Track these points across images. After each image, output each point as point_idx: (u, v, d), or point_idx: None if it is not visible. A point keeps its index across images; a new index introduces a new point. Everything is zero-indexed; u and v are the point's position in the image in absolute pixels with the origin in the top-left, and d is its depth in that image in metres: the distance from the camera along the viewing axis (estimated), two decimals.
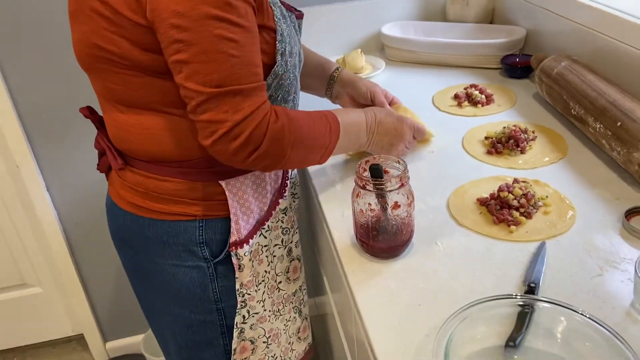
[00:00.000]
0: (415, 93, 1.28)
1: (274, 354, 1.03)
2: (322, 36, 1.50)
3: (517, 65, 1.30)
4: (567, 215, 0.83)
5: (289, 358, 1.08)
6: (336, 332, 1.06)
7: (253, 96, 0.73)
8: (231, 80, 0.71)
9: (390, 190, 0.72)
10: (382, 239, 0.76)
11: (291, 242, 1.00)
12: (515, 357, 0.60)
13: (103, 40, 0.74)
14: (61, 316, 1.94)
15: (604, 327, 0.57)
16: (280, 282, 1.00)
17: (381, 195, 0.72)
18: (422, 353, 0.61)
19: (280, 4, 0.85)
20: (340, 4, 1.49)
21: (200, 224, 0.87)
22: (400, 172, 0.73)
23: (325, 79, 1.10)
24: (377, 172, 0.72)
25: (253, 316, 0.95)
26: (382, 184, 0.72)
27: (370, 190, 0.73)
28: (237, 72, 0.71)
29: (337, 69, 1.11)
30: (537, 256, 0.75)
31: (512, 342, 0.61)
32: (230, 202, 0.85)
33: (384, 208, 0.73)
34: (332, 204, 0.92)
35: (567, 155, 0.99)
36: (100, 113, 0.92)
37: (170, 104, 0.78)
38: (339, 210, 0.89)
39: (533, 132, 1.04)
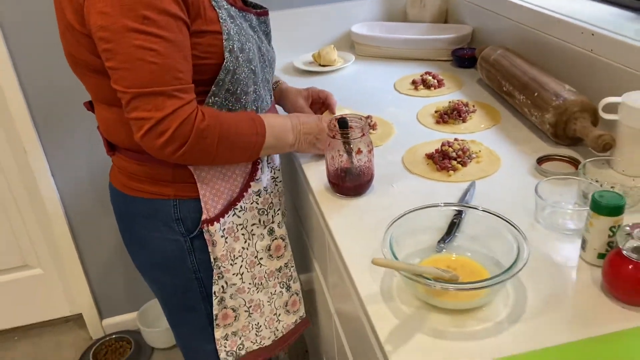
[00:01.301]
0: (381, 81, 1.50)
1: (258, 323, 1.14)
2: (300, 34, 1.72)
3: (464, 57, 1.54)
4: (494, 164, 1.05)
5: (276, 328, 1.18)
6: (318, 281, 1.25)
7: (175, 97, 0.83)
8: (152, 84, 0.81)
9: (354, 138, 0.93)
10: (349, 180, 0.97)
11: (272, 222, 1.10)
12: (444, 250, 0.81)
13: (73, 49, 0.90)
14: (60, 297, 2.08)
15: (501, 217, 0.78)
16: (261, 258, 1.10)
17: (347, 143, 0.93)
18: (378, 253, 0.82)
19: (228, 6, 0.93)
20: (316, 7, 1.72)
21: (175, 203, 1.00)
22: (361, 125, 0.94)
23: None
24: (343, 124, 0.93)
25: (231, 287, 1.08)
26: (347, 133, 0.93)
27: (338, 139, 0.93)
28: (157, 76, 0.81)
29: (277, 82, 1.23)
30: (467, 190, 0.96)
31: (442, 241, 0.82)
32: (199, 185, 0.97)
33: (349, 153, 0.94)
34: (309, 160, 1.12)
35: (499, 123, 1.21)
36: None
37: (117, 98, 0.88)
38: (315, 165, 1.09)
39: (473, 106, 1.27)
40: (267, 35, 1.07)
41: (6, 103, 1.63)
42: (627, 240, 0.69)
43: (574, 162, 1.03)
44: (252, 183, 1.04)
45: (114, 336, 2.02)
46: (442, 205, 0.83)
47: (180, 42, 0.84)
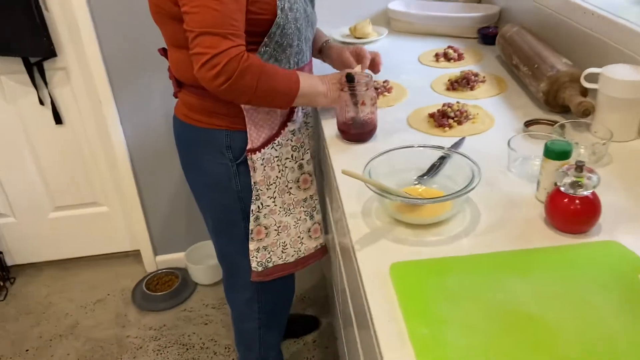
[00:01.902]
0: (408, 53, 1.65)
1: (284, 242, 1.37)
2: (340, 9, 1.89)
3: (489, 35, 1.66)
4: (488, 124, 1.19)
5: (299, 249, 1.41)
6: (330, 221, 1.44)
7: (228, 39, 1.02)
8: (212, 26, 1.01)
9: (359, 91, 1.10)
10: (354, 128, 1.15)
11: (302, 159, 1.31)
12: (417, 184, 0.98)
13: (158, 0, 1.12)
14: (122, 233, 2.40)
15: (463, 155, 0.93)
16: (291, 187, 1.32)
17: (353, 95, 1.11)
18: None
19: None
20: None
21: (227, 133, 1.22)
22: (366, 80, 1.12)
23: (317, 49, 1.40)
24: (350, 78, 1.11)
25: (265, 207, 1.30)
26: (353, 87, 1.10)
27: (346, 92, 1.11)
28: (217, 21, 1.01)
29: (327, 40, 1.40)
30: (456, 143, 1.12)
31: (420, 178, 0.98)
32: (247, 120, 1.19)
33: (355, 104, 1.12)
34: (326, 114, 1.30)
35: (505, 92, 1.35)
36: None
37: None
38: (330, 117, 1.27)
39: (484, 77, 1.41)
40: (312, 0, 1.26)
41: (87, 62, 1.91)
42: (563, 177, 0.83)
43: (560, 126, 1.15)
44: (288, 123, 1.25)
45: (164, 270, 2.32)
46: (416, 146, 1.00)
47: None
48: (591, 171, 0.83)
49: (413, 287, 0.75)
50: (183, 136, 1.32)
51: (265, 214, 1.31)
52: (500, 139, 1.14)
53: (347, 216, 0.93)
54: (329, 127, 1.24)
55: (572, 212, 0.82)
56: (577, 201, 0.82)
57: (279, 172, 1.29)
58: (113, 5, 1.83)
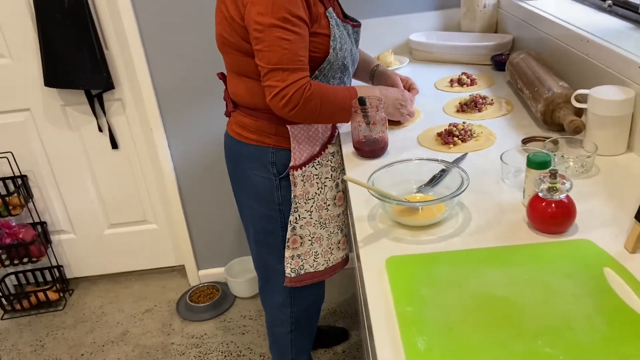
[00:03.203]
0: (426, 80, 1.79)
1: (316, 251, 1.52)
2: (371, 40, 2.05)
3: (502, 61, 1.78)
4: (489, 142, 1.32)
5: (329, 258, 1.55)
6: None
7: (295, 73, 1.21)
8: (282, 62, 1.19)
9: (370, 113, 1.26)
10: (368, 146, 1.30)
11: (338, 179, 1.47)
12: (420, 192, 1.11)
13: (226, 34, 1.31)
14: (169, 249, 2.60)
15: (455, 166, 1.06)
16: (329, 205, 1.47)
17: (365, 116, 1.26)
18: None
19: (336, 17, 1.32)
20: (383, 18, 2.05)
21: (273, 151, 1.41)
22: (376, 103, 1.27)
23: (368, 73, 1.61)
24: (362, 102, 1.26)
25: (302, 219, 1.46)
26: (365, 109, 1.26)
27: (358, 113, 1.27)
28: (286, 58, 1.19)
29: (377, 65, 1.60)
30: (458, 158, 1.25)
31: (420, 187, 1.12)
32: (291, 140, 1.38)
33: (367, 123, 1.27)
34: (343, 135, 1.46)
35: (510, 114, 1.47)
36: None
37: (254, 73, 1.32)
38: (347, 137, 1.43)
39: (492, 99, 1.53)
40: (357, 42, 1.46)
41: (140, 94, 2.16)
42: (541, 184, 0.95)
43: (553, 142, 1.26)
44: (329, 145, 1.43)
45: (206, 284, 2.50)
46: (414, 159, 1.14)
47: (304, 37, 1.23)
48: (564, 178, 0.94)
49: (404, 276, 0.88)
50: (233, 151, 1.50)
51: (302, 225, 1.46)
52: (498, 153, 1.25)
53: (354, 219, 1.08)
54: (346, 146, 1.39)
55: (549, 214, 0.94)
56: (553, 204, 0.93)
57: (318, 189, 1.44)
58: (165, 45, 2.08)
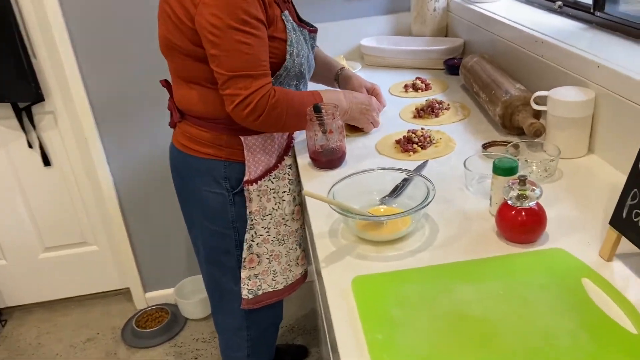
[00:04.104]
0: (379, 85, 1.72)
1: (275, 270, 1.42)
2: (321, 45, 1.98)
3: (454, 65, 1.76)
4: (449, 148, 1.27)
5: (287, 276, 1.45)
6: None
7: (259, 79, 1.13)
8: (243, 68, 1.12)
9: (326, 121, 1.18)
10: (325, 156, 1.22)
11: (296, 192, 1.38)
12: (384, 204, 1.04)
13: (172, 36, 1.20)
14: (111, 272, 2.43)
15: (420, 175, 1.01)
16: (287, 220, 1.37)
17: (321, 124, 1.19)
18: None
19: (292, 22, 1.24)
20: (333, 22, 1.98)
21: (225, 164, 1.30)
22: (332, 110, 1.19)
23: (332, 76, 1.53)
24: (317, 109, 1.18)
25: (259, 237, 1.36)
26: (321, 117, 1.18)
27: (314, 121, 1.19)
28: (248, 63, 1.12)
29: (342, 68, 1.52)
30: (419, 166, 1.19)
31: (383, 199, 1.05)
32: (245, 152, 1.28)
33: (323, 132, 1.19)
34: (298, 144, 1.38)
35: (467, 118, 1.43)
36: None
37: (206, 79, 1.22)
38: (302, 147, 1.35)
39: (448, 104, 1.49)
40: (313, 48, 1.37)
41: (74, 105, 1.99)
42: (509, 191, 0.90)
43: (514, 146, 1.22)
44: (285, 157, 1.34)
45: (154, 307, 2.34)
46: (376, 169, 1.07)
47: (264, 40, 1.15)
48: (534, 184, 0.89)
49: (372, 298, 0.80)
50: (180, 165, 1.38)
51: (259, 243, 1.36)
52: (461, 161, 1.20)
53: (315, 237, 0.99)
54: (302, 157, 1.31)
55: (520, 223, 0.89)
56: (523, 212, 0.88)
57: (276, 204, 1.35)
58: (99, 50, 1.92)
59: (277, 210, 1.37)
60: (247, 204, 1.33)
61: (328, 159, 1.22)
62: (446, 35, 1.99)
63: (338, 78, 1.52)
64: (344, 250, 0.95)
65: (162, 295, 2.39)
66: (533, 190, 0.88)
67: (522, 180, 0.88)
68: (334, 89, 1.42)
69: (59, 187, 2.22)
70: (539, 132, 1.17)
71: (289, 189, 1.37)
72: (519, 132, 1.28)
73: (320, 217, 1.05)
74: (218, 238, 1.39)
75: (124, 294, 2.47)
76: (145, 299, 2.39)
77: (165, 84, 1.40)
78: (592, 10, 1.37)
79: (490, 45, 1.63)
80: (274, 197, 1.35)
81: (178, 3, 1.17)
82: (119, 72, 1.97)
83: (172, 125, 1.42)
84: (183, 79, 1.28)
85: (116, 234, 2.25)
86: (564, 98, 1.13)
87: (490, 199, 0.99)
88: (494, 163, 0.96)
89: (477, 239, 0.93)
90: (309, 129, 1.21)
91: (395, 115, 1.50)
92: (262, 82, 1.15)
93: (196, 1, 1.13)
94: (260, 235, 1.36)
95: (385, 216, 0.94)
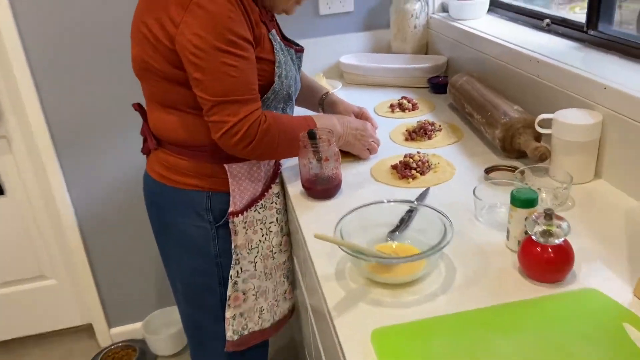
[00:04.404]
0: (363, 105, 1.64)
1: (262, 307, 1.31)
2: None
3: (439, 84, 1.70)
4: (449, 173, 1.20)
5: (275, 312, 1.35)
6: (299, 282, 1.39)
7: (248, 104, 1.04)
8: (231, 93, 1.02)
9: (322, 148, 1.09)
10: (319, 185, 1.12)
11: (283, 222, 1.29)
12: (395, 240, 0.95)
13: (149, 58, 1.09)
14: (72, 307, 2.24)
15: (434, 209, 0.92)
16: (275, 252, 1.28)
17: (316, 152, 1.09)
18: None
19: (280, 41, 1.16)
20: (311, 39, 1.90)
21: (208, 195, 1.19)
22: (328, 137, 1.10)
23: (316, 101, 1.43)
24: (312, 135, 1.09)
25: (245, 272, 1.25)
26: (316, 143, 1.09)
27: (308, 149, 1.09)
28: (236, 88, 1.02)
29: (326, 93, 1.42)
30: (421, 194, 1.11)
31: (391, 233, 0.96)
32: (230, 181, 1.18)
33: (318, 160, 1.10)
34: (288, 171, 1.28)
35: (461, 140, 1.37)
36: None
37: (187, 104, 1.12)
38: (292, 174, 1.25)
39: (440, 125, 1.43)
40: (299, 68, 1.28)
41: (30, 129, 1.83)
42: (534, 226, 0.83)
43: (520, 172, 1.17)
44: (272, 185, 1.24)
45: (120, 344, 2.16)
46: (386, 201, 0.98)
47: (253, 62, 1.06)
48: (560, 219, 0.83)
49: (397, 355, 0.71)
50: (157, 197, 1.26)
51: (245, 279, 1.25)
52: (463, 187, 1.14)
53: (320, 280, 0.89)
54: (292, 185, 1.21)
55: (546, 261, 0.82)
56: (550, 250, 0.81)
57: (263, 236, 1.25)
58: (58, 69, 1.77)
59: (264, 242, 1.26)
60: (232, 238, 1.22)
61: (323, 188, 1.12)
62: (427, 53, 1.94)
63: (323, 103, 1.43)
64: (356, 295, 0.85)
65: (128, 330, 2.23)
66: (560, 226, 0.82)
67: (548, 215, 0.81)
68: (326, 114, 1.33)
69: (14, 217, 2.03)
70: (545, 157, 1.12)
71: (277, 219, 1.27)
72: (519, 155, 1.23)
73: (322, 256, 0.95)
74: (199, 275, 1.27)
75: (86, 330, 2.29)
76: (110, 335, 2.22)
77: (139, 107, 1.28)
78: (585, 29, 1.33)
79: (477, 63, 1.59)
80: (260, 229, 1.25)
81: (156, 22, 1.06)
82: (82, 93, 1.82)
83: (146, 151, 1.29)
84: (160, 103, 1.17)
85: (77, 266, 2.08)
86: (570, 121, 1.08)
87: (508, 233, 0.92)
88: (512, 194, 0.89)
89: (499, 278, 0.86)
90: (302, 156, 1.12)
91: (384, 137, 1.42)
92: (252, 107, 1.06)
93: (176, 20, 1.03)
94: (247, 270, 1.25)
95: (404, 257, 0.85)
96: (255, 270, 1.26)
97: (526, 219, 0.87)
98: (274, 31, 1.16)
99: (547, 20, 1.49)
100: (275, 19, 1.25)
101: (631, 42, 1.20)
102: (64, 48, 1.75)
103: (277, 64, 1.14)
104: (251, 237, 1.24)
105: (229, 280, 1.24)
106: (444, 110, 1.57)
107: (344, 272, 0.91)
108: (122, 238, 2.07)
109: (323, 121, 1.20)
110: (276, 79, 1.14)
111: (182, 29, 1.02)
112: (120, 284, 2.16)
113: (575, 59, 1.25)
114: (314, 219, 1.08)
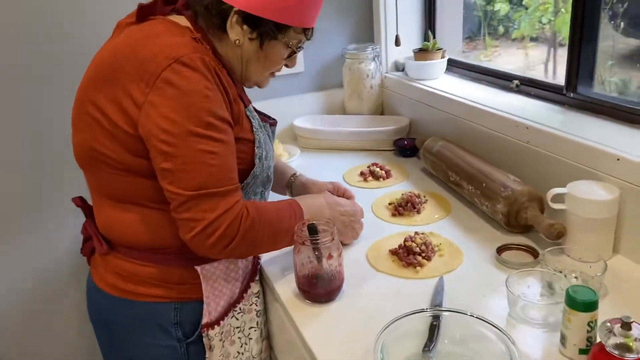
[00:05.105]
0: (329, 173, 1.51)
1: None
2: None
3: (406, 147, 1.60)
4: (457, 256, 1.07)
5: None
6: None
7: (228, 197, 0.86)
8: (209, 185, 0.84)
9: (324, 244, 0.91)
10: (321, 286, 0.94)
11: (262, 325, 1.10)
12: (433, 358, 0.79)
13: (100, 146, 0.87)
14: None
15: (488, 322, 0.78)
16: None
17: (317, 249, 0.91)
18: None
19: (257, 117, 1.00)
20: (259, 102, 1.73)
21: (176, 306, 0.97)
22: (331, 229, 0.93)
23: (284, 184, 1.24)
24: (313, 230, 0.92)
25: None
26: (317, 239, 0.91)
27: (308, 245, 0.91)
28: (215, 178, 0.84)
29: (294, 174, 1.25)
30: (438, 287, 0.97)
31: (427, 347, 0.80)
32: (203, 285, 0.96)
33: (319, 259, 0.92)
34: (272, 266, 1.08)
35: (451, 213, 1.25)
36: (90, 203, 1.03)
37: (149, 199, 0.91)
38: (281, 274, 1.06)
39: (425, 196, 1.31)
40: (272, 143, 1.09)
41: None
42: (609, 337, 0.71)
43: (531, 250, 1.07)
44: (252, 283, 1.05)
45: None
46: (427, 310, 0.82)
47: (231, 145, 0.89)
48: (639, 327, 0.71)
49: None
50: (108, 313, 1.00)
51: None
52: (476, 273, 1.02)
53: None
54: (284, 287, 1.01)
55: None
56: None
57: (241, 346, 1.04)
58: None
59: (243, 354, 1.06)
60: (207, 355, 0.99)
61: (326, 290, 0.94)
62: (382, 113, 1.85)
63: (291, 185, 1.25)
64: None
65: None
66: (638, 339, 0.70)
67: (627, 324, 0.70)
68: (309, 194, 1.14)
69: None
70: (561, 235, 1.03)
71: (257, 323, 1.07)
72: (523, 230, 1.13)
73: None
74: None
75: None
76: None
77: (81, 202, 1.04)
78: (564, 92, 1.30)
79: (445, 125, 1.51)
80: (239, 338, 1.04)
81: (111, 103, 0.85)
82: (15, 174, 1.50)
83: (87, 253, 1.04)
84: (113, 198, 0.94)
85: None
86: (587, 196, 1.00)
87: (564, 339, 0.79)
88: (568, 294, 0.77)
89: None
90: (298, 253, 0.93)
91: (367, 212, 1.27)
92: (232, 200, 0.87)
93: (139, 101, 0.83)
94: None
95: None
96: None
97: (589, 323, 0.75)
98: (250, 106, 0.99)
99: (517, 82, 1.45)
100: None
101: (621, 105, 1.17)
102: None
103: (257, 144, 0.96)
104: (228, 350, 1.02)
105: None
106: (420, 177, 1.47)
107: None
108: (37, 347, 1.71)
109: (309, 203, 1.03)
110: (257, 161, 0.97)
111: (147, 111, 0.83)
112: None
113: (562, 123, 1.20)
114: (319, 329, 0.89)
